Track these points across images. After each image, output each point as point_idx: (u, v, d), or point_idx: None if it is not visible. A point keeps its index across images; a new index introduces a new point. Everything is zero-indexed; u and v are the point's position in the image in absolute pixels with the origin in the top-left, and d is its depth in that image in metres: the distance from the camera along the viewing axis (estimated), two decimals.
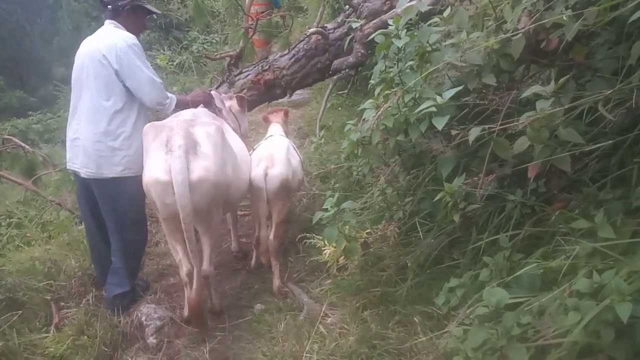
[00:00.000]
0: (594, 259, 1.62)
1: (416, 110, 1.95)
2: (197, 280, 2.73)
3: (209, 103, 3.46)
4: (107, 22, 3.13)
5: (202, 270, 2.81)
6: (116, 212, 3.06)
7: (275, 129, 3.74)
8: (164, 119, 3.03)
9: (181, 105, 3.24)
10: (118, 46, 2.91)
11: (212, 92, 3.65)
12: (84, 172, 3.03)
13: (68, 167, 3.23)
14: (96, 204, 3.13)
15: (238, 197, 3.20)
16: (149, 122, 3.04)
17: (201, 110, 3.27)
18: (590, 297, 1.46)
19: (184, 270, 2.84)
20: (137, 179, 2.94)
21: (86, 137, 2.98)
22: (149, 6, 3.31)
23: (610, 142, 1.68)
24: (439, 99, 1.89)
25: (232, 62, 4.58)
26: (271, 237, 3.23)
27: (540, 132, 1.66)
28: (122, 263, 3.15)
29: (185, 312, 3.02)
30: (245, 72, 4.37)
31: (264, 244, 3.26)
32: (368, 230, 2.49)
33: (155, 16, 3.58)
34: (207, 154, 2.69)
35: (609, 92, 1.60)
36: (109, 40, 2.96)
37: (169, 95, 3.15)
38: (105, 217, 3.13)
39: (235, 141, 3.19)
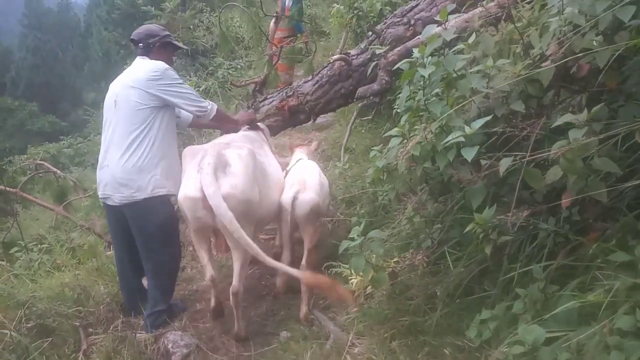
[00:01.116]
0: (635, 293, 1.56)
1: (444, 141, 1.93)
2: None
3: (253, 122, 3.76)
4: (139, 58, 3.29)
5: (231, 287, 2.94)
6: (149, 233, 3.14)
7: (301, 154, 3.78)
8: (206, 128, 3.48)
9: (225, 119, 3.58)
10: (154, 69, 3.11)
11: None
12: (116, 198, 3.11)
13: (99, 196, 3.31)
14: (126, 230, 3.21)
15: (268, 218, 3.28)
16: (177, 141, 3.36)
17: (241, 135, 3.50)
18: (633, 335, 1.40)
19: (207, 275, 3.08)
20: (168, 198, 3.12)
21: (114, 164, 3.08)
22: (177, 42, 3.55)
23: None
24: (467, 129, 1.87)
25: (256, 88, 4.65)
26: (303, 262, 3.22)
27: (574, 163, 1.62)
28: (157, 283, 3.25)
29: (212, 304, 3.19)
30: (270, 98, 4.43)
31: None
32: (395, 259, 2.45)
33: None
34: (235, 174, 2.84)
35: None
36: (142, 68, 3.15)
37: (209, 102, 3.33)
38: (138, 240, 3.20)
39: (271, 164, 3.40)
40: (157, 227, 3.13)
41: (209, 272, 3.07)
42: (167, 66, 3.19)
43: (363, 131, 5.79)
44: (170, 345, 3.04)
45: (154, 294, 3.26)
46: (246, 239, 2.70)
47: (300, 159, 3.67)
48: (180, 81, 3.22)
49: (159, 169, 3.09)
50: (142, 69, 3.15)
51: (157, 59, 3.23)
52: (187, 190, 2.84)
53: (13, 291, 3.33)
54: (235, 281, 2.93)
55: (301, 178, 3.30)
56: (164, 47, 3.34)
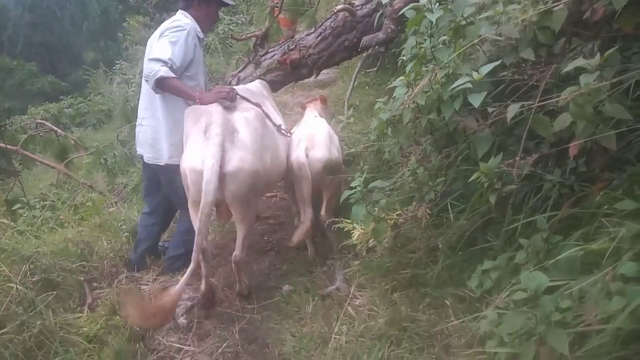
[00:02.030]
0: (639, 241, 1.53)
1: (451, 87, 1.87)
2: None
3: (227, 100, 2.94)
4: (179, 12, 3.17)
5: (233, 255, 2.88)
6: (176, 195, 3.15)
7: (311, 112, 3.74)
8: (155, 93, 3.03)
9: (175, 91, 2.95)
10: (168, 22, 3.04)
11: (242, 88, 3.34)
12: (146, 158, 3.21)
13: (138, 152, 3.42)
14: (158, 186, 3.35)
15: (276, 181, 3.27)
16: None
17: (242, 88, 3.18)
18: (636, 281, 1.38)
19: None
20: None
21: (145, 123, 3.16)
22: None
23: None
24: (475, 74, 1.81)
25: (258, 42, 4.54)
26: (323, 212, 3.20)
27: (584, 108, 1.56)
28: (184, 229, 3.30)
29: (202, 288, 2.98)
30: (272, 52, 4.32)
31: (305, 225, 3.10)
32: (398, 212, 2.44)
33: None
34: (244, 143, 2.68)
35: None
36: (161, 26, 3.06)
37: (158, 69, 2.81)
38: (170, 196, 3.33)
39: (276, 122, 3.25)
40: (179, 192, 3.05)
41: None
42: (183, 23, 3.01)
43: (367, 87, 5.70)
44: None
45: (177, 239, 3.38)
46: (207, 222, 2.58)
47: (311, 117, 3.64)
48: (174, 36, 2.93)
49: (177, 137, 3.02)
50: (164, 24, 3.07)
51: (197, 15, 3.12)
52: (193, 162, 2.64)
53: (17, 246, 3.35)
54: (237, 250, 2.87)
55: (309, 134, 3.24)
56: (206, 2, 3.15)
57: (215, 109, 2.74)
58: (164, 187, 3.30)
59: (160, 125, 3.11)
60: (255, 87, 3.53)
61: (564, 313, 1.51)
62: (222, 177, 2.58)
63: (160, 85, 2.85)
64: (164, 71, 2.81)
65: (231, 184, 2.62)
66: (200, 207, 2.51)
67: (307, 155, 3.07)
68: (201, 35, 3.14)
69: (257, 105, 3.03)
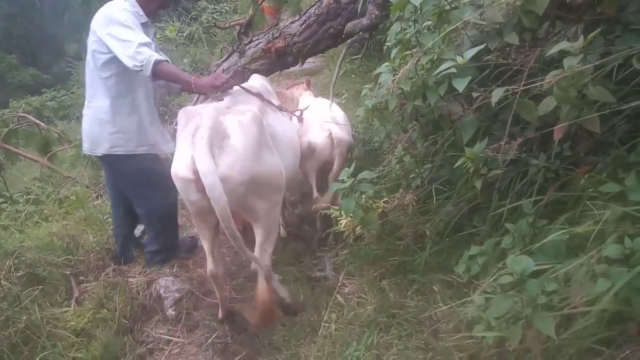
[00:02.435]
0: (624, 224, 1.55)
1: (435, 72, 1.86)
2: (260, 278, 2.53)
3: (220, 88, 2.77)
4: None
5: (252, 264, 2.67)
6: (124, 186, 3.14)
7: (309, 94, 3.83)
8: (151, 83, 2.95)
9: (172, 77, 2.83)
10: (104, 13, 2.80)
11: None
12: (83, 148, 3.10)
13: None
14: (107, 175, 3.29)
15: (291, 180, 3.00)
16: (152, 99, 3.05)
17: (239, 90, 2.88)
18: (620, 263, 1.40)
19: (207, 270, 2.67)
20: (130, 157, 3.00)
21: (85, 112, 3.02)
22: None
23: None
24: (459, 59, 1.80)
25: (242, 30, 4.49)
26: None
27: (568, 92, 1.57)
28: (149, 226, 3.34)
29: (220, 314, 2.80)
30: (256, 40, 4.25)
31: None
32: (385, 199, 2.43)
33: None
34: (234, 149, 2.33)
35: None
36: (101, 11, 2.85)
37: (150, 54, 2.65)
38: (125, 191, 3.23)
39: (280, 120, 2.89)
40: (124, 183, 3.09)
41: (210, 265, 2.64)
42: (123, 4, 2.82)
43: (353, 75, 5.68)
44: (162, 291, 3.06)
45: (149, 235, 3.37)
46: (233, 229, 2.26)
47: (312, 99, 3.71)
48: (126, 22, 2.72)
49: (124, 126, 2.95)
50: (103, 8, 2.85)
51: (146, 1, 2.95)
52: (178, 168, 2.36)
53: (1, 241, 3.30)
54: (256, 254, 2.54)
55: (331, 116, 3.29)
56: None
57: (207, 111, 2.44)
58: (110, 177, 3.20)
59: (98, 113, 2.94)
60: (258, 81, 3.25)
61: (550, 296, 1.52)
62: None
63: (157, 70, 2.65)
64: (157, 55, 2.68)
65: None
66: (219, 217, 2.22)
67: (332, 137, 3.14)
68: (143, 19, 2.92)
69: (258, 95, 2.85)
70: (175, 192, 2.79)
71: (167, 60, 2.74)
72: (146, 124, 3.03)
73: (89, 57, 2.93)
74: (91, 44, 2.88)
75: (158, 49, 3.02)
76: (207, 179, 2.18)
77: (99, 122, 2.95)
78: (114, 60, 2.77)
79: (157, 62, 2.64)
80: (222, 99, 2.70)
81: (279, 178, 2.55)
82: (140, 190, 3.13)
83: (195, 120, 2.42)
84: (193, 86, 2.75)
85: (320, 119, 3.22)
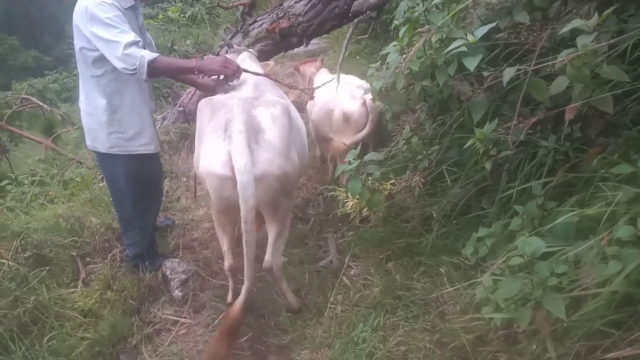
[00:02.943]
0: (636, 205, 1.53)
1: (445, 51, 1.83)
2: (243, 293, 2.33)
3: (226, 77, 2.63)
4: None
5: (264, 261, 2.54)
6: (119, 186, 2.93)
7: (325, 71, 3.83)
8: (144, 84, 2.73)
9: (174, 70, 2.72)
10: (83, 6, 2.49)
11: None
12: (88, 145, 2.93)
13: None
14: None
15: (301, 175, 2.99)
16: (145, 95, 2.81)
17: (263, 80, 2.76)
18: (632, 245, 1.38)
19: (226, 264, 2.66)
20: (129, 158, 2.82)
21: (81, 108, 2.85)
22: None
23: None
24: (470, 37, 1.76)
25: (245, 10, 4.42)
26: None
27: (581, 70, 1.53)
28: (125, 232, 3.10)
29: (228, 299, 2.80)
30: (260, 20, 4.21)
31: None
32: (392, 181, 2.42)
33: None
34: (272, 144, 2.28)
35: None
36: (79, 3, 2.54)
37: (141, 55, 2.42)
38: (108, 187, 3.11)
39: (297, 113, 2.74)
40: (117, 183, 2.92)
41: (230, 260, 2.63)
42: (101, 4, 2.45)
43: (358, 57, 5.61)
44: (168, 272, 3.07)
45: (124, 241, 3.12)
46: (253, 228, 2.20)
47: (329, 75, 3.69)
48: (107, 19, 2.43)
49: (123, 127, 2.76)
50: (80, 1, 2.54)
51: None
52: (213, 165, 2.26)
53: (7, 223, 3.31)
54: (267, 255, 2.53)
55: (359, 85, 3.37)
56: None
57: (236, 103, 2.33)
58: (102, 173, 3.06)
59: (97, 113, 2.73)
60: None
61: (560, 278, 1.52)
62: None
63: (152, 70, 2.44)
64: (148, 54, 2.43)
65: (259, 189, 2.20)
66: (242, 217, 2.15)
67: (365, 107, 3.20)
68: (129, 2, 2.63)
69: (267, 76, 2.77)
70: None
71: (159, 54, 2.50)
72: (146, 121, 2.86)
73: (77, 55, 2.67)
74: (77, 41, 2.60)
75: (146, 30, 2.88)
76: (243, 176, 2.12)
77: (97, 122, 2.76)
78: (105, 57, 2.52)
79: (150, 62, 2.40)
80: (232, 87, 2.62)
81: (298, 173, 2.53)
82: (128, 192, 2.94)
83: (224, 112, 2.32)
84: (196, 72, 2.58)
85: (350, 89, 3.29)
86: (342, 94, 3.25)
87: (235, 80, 2.64)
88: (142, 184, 2.93)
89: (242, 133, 2.19)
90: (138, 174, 2.88)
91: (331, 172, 3.62)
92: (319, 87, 3.19)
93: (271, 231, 2.55)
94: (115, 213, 3.14)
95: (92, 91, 2.70)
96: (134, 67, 2.40)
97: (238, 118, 2.25)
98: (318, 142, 3.78)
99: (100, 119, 2.73)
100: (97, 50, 2.51)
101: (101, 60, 2.56)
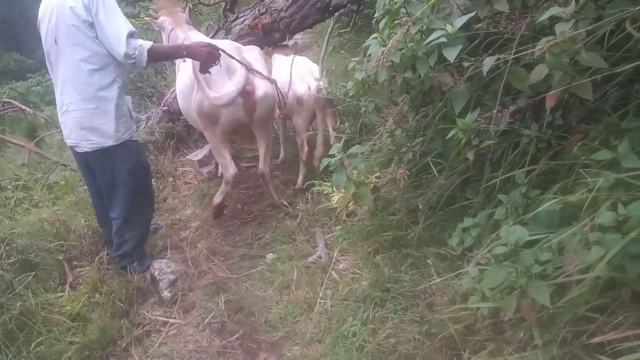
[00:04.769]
0: (617, 191, 1.54)
1: (425, 42, 1.82)
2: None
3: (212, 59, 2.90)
4: None
5: (259, 170, 3.49)
6: (120, 181, 2.88)
7: (281, 56, 3.95)
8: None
9: (167, 54, 3.14)
10: (79, 2, 2.55)
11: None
12: (85, 146, 2.80)
13: (67, 143, 2.98)
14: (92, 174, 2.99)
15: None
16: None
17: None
18: (614, 230, 1.39)
19: (230, 174, 3.35)
20: (136, 144, 2.97)
21: (77, 107, 2.72)
22: None
23: (638, 63, 1.54)
24: (449, 27, 1.76)
25: (227, 7, 4.38)
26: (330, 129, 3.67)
27: (560, 58, 1.54)
28: (119, 232, 3.01)
29: (216, 199, 3.53)
30: (242, 17, 4.18)
31: (318, 148, 3.71)
32: (377, 174, 2.41)
33: None
34: (261, 74, 3.25)
35: (638, 8, 1.46)
36: (63, 3, 2.58)
37: (140, 44, 2.61)
38: (105, 188, 2.95)
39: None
40: (128, 174, 2.87)
41: (233, 169, 3.35)
42: None
43: (342, 51, 5.60)
44: (156, 273, 3.06)
45: (115, 240, 3.06)
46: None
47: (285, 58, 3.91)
48: (113, 6, 2.59)
49: (123, 110, 2.82)
50: None
51: None
52: (225, 97, 3.09)
53: None
54: (261, 165, 3.46)
55: (307, 69, 3.68)
56: None
57: (229, 51, 3.06)
58: (101, 173, 2.92)
59: (100, 105, 2.72)
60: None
61: (544, 265, 1.52)
62: (254, 104, 3.18)
63: (150, 58, 2.65)
64: (145, 42, 2.64)
65: (261, 107, 3.23)
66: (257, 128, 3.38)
67: (311, 88, 3.55)
68: None
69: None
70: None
71: (153, 42, 2.70)
72: (130, 106, 2.95)
73: (75, 47, 2.62)
74: (71, 37, 2.60)
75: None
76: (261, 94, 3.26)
77: (103, 115, 2.73)
78: (100, 52, 2.63)
79: (149, 51, 2.62)
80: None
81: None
82: (137, 180, 2.94)
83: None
84: (185, 55, 2.80)
85: (300, 73, 3.62)
86: (294, 78, 3.63)
87: (219, 64, 2.96)
88: (142, 174, 3.01)
89: (243, 66, 3.10)
90: (139, 162, 2.97)
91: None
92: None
93: (262, 145, 3.45)
94: (111, 214, 3.03)
95: (91, 86, 2.69)
96: (134, 55, 2.58)
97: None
98: (281, 118, 4.17)
99: (108, 110, 2.74)
100: (95, 41, 2.61)
101: (98, 55, 2.64)
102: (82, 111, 2.73)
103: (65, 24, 2.59)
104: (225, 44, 3.21)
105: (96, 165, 2.89)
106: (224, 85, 3.08)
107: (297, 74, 3.66)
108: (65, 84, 2.73)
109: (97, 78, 2.69)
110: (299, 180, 3.81)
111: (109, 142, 2.79)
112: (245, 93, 3.11)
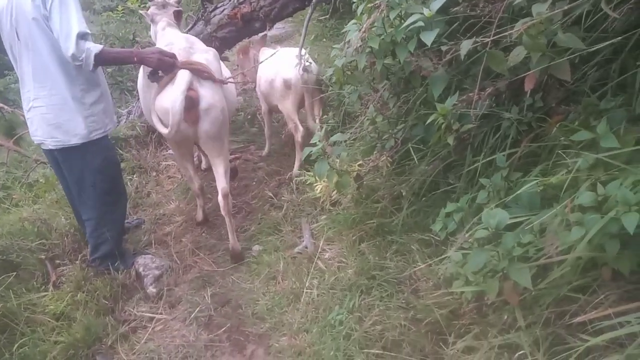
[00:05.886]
0: (596, 171, 1.54)
1: (402, 26, 1.80)
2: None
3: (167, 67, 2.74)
4: None
5: (221, 189, 2.97)
6: (89, 180, 2.80)
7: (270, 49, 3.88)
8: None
9: (118, 60, 2.99)
10: None
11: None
12: (50, 143, 2.71)
13: (34, 141, 2.88)
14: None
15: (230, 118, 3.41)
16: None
17: (193, 38, 3.18)
18: (594, 210, 1.39)
19: (196, 187, 3.29)
20: (105, 141, 2.82)
21: (42, 103, 2.64)
22: None
23: (613, 40, 1.53)
24: (426, 11, 1.74)
25: None
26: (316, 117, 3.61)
27: (537, 39, 1.53)
28: (94, 232, 2.93)
29: (199, 217, 3.48)
30: (221, 7, 4.12)
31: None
32: (359, 162, 2.40)
33: None
34: (210, 84, 2.82)
35: None
36: None
37: (88, 47, 2.46)
38: (74, 187, 2.87)
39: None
40: (95, 173, 2.79)
41: (198, 182, 3.29)
42: None
43: (324, 40, 5.55)
44: (141, 269, 3.02)
45: (91, 242, 2.97)
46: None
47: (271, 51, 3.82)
48: (69, 2, 2.45)
49: (97, 108, 2.72)
50: None
51: None
52: (166, 104, 2.70)
53: None
54: (222, 184, 2.97)
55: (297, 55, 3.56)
56: None
57: (177, 52, 2.78)
58: (68, 171, 2.83)
59: (67, 101, 2.63)
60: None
61: (525, 248, 1.53)
62: (196, 116, 2.75)
63: (98, 62, 2.50)
64: (94, 46, 2.48)
65: (205, 122, 2.78)
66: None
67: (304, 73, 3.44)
68: None
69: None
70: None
71: (103, 46, 2.53)
72: (106, 89, 2.90)
73: (38, 41, 2.52)
74: (34, 29, 2.50)
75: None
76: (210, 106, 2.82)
77: (70, 111, 2.64)
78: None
79: (97, 55, 2.46)
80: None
81: (230, 108, 3.25)
82: (106, 180, 2.85)
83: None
84: (136, 61, 2.70)
85: (288, 59, 3.54)
86: (281, 64, 3.58)
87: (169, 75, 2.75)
88: (111, 172, 2.90)
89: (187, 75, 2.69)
90: (107, 159, 2.86)
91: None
92: (263, 62, 3.62)
93: (217, 165, 3.01)
94: (82, 215, 2.98)
95: (60, 81, 2.60)
96: (81, 58, 2.46)
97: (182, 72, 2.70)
98: (267, 112, 4.09)
99: (75, 107, 2.65)
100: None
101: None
102: (48, 107, 2.64)
103: (25, 17, 2.49)
104: (179, 43, 2.90)
105: (64, 163, 2.81)
106: (167, 92, 2.69)
107: (286, 60, 3.58)
108: (29, 80, 2.64)
109: (62, 73, 2.59)
110: (295, 167, 3.74)
111: (74, 140, 2.69)
112: (189, 99, 2.65)
